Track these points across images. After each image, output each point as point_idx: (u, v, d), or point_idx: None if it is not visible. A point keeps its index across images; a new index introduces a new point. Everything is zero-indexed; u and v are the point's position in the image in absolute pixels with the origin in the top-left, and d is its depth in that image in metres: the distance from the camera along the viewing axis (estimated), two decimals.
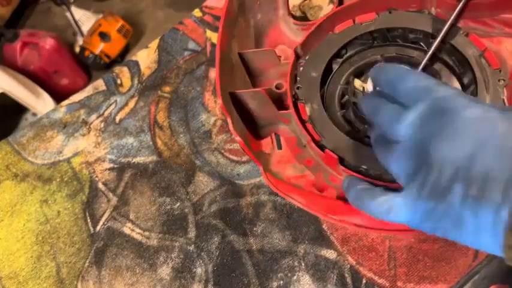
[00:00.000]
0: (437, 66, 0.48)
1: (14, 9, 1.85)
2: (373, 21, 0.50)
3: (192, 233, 0.55)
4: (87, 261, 0.56)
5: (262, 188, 0.55)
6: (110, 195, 0.60)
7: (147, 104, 0.67)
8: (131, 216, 0.57)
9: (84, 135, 0.66)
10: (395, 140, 0.33)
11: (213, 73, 0.67)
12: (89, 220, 0.59)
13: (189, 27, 0.73)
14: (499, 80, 0.44)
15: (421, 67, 0.45)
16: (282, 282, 0.49)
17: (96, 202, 0.60)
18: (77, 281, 0.55)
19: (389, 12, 0.50)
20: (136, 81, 0.70)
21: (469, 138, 0.28)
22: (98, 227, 0.58)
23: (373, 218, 0.38)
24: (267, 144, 0.52)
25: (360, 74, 0.49)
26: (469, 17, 0.50)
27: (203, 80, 0.67)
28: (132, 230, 0.57)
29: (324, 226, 0.51)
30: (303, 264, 0.50)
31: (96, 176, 0.62)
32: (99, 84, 0.71)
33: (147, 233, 0.56)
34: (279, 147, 0.51)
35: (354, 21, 0.51)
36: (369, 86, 0.41)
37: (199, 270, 0.52)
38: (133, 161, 0.62)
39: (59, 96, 1.46)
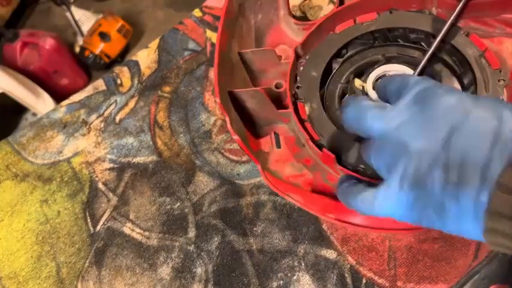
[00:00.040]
0: (438, 66, 0.48)
1: (14, 9, 1.85)
2: (374, 21, 0.50)
3: (192, 233, 0.55)
4: (87, 261, 0.56)
5: (262, 188, 0.55)
6: (110, 195, 0.60)
7: (147, 104, 0.67)
8: (131, 216, 0.57)
9: (84, 135, 0.66)
10: (368, 135, 0.34)
11: (213, 73, 0.67)
12: (89, 220, 0.59)
13: (189, 27, 0.73)
14: (499, 80, 0.43)
15: (420, 66, 0.45)
16: (282, 282, 0.49)
17: (96, 202, 0.60)
18: (77, 281, 0.55)
19: (390, 12, 0.50)
20: (136, 81, 0.70)
21: (444, 126, 0.28)
22: (98, 227, 0.58)
23: (370, 217, 0.39)
24: (266, 143, 0.52)
25: (360, 73, 0.49)
26: (470, 17, 0.50)
27: (203, 80, 0.67)
28: (132, 230, 0.57)
29: (324, 226, 0.52)
30: (303, 264, 0.50)
31: (96, 176, 0.62)
32: (99, 84, 0.71)
33: (147, 233, 0.56)
34: (278, 146, 0.51)
35: (354, 21, 0.51)
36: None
37: (199, 270, 0.52)
38: (133, 161, 0.62)
39: (59, 96, 1.45)
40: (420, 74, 0.45)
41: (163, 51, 0.72)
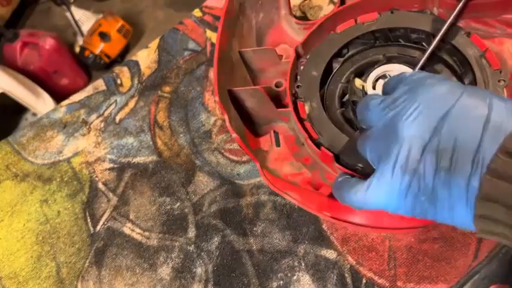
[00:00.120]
0: (439, 66, 0.48)
1: (14, 9, 1.85)
2: (375, 21, 0.50)
3: (192, 233, 0.55)
4: (87, 261, 0.56)
5: (262, 188, 0.55)
6: (110, 195, 0.60)
7: (147, 104, 0.67)
8: (131, 216, 0.57)
9: (84, 135, 0.66)
10: (369, 126, 0.34)
11: (213, 72, 0.67)
12: (89, 220, 0.59)
13: (189, 27, 0.73)
14: (499, 81, 0.44)
15: (419, 66, 0.45)
16: (282, 282, 0.49)
17: (96, 202, 0.60)
18: (77, 281, 0.55)
19: (391, 12, 0.50)
20: (136, 81, 0.70)
21: (435, 113, 0.29)
22: (98, 227, 0.58)
23: (367, 216, 0.39)
24: (265, 141, 0.52)
25: (360, 73, 0.49)
26: (471, 18, 0.50)
27: (203, 80, 0.67)
28: (132, 230, 0.57)
29: (324, 226, 0.51)
30: (303, 264, 0.50)
31: (96, 176, 0.62)
32: (99, 84, 0.71)
33: (147, 233, 0.56)
34: (278, 144, 0.51)
35: (355, 21, 0.51)
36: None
37: (199, 270, 0.52)
38: (133, 161, 0.62)
39: (59, 96, 1.45)
40: None
41: (163, 51, 0.72)
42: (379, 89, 0.46)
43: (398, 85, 0.33)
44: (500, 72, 0.44)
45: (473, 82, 0.45)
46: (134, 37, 1.75)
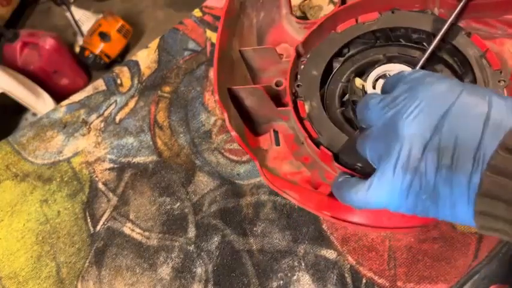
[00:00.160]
0: (439, 67, 0.48)
1: (14, 9, 1.85)
2: (376, 21, 0.50)
3: (192, 233, 0.55)
4: (87, 261, 0.56)
5: (262, 188, 0.55)
6: (110, 195, 0.60)
7: (147, 104, 0.67)
8: (131, 216, 0.57)
9: (84, 135, 0.66)
10: (368, 125, 0.34)
11: (213, 71, 0.67)
12: (89, 220, 0.59)
13: (189, 27, 0.73)
14: (499, 81, 0.44)
15: (419, 65, 0.45)
16: (282, 282, 0.49)
17: (96, 202, 0.60)
18: (77, 281, 0.55)
19: (392, 12, 0.51)
20: (136, 81, 0.70)
21: (435, 111, 0.29)
22: (98, 227, 0.58)
23: (367, 215, 0.38)
24: (265, 140, 0.52)
25: (361, 73, 0.49)
26: (471, 18, 0.50)
27: (203, 80, 0.67)
28: (132, 230, 0.57)
29: (323, 226, 0.52)
30: (303, 264, 0.50)
31: (96, 176, 0.62)
32: (99, 84, 0.71)
33: (147, 233, 0.56)
34: (277, 143, 0.51)
35: (356, 21, 0.51)
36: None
37: (199, 270, 0.52)
38: (133, 161, 0.62)
39: (59, 96, 1.45)
40: None
41: (163, 51, 0.72)
42: (379, 89, 0.46)
43: (398, 84, 0.33)
44: (501, 72, 0.44)
45: (474, 82, 0.45)
46: (134, 37, 1.75)
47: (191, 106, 0.65)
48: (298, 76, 0.50)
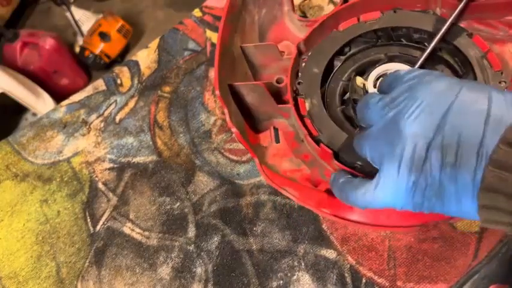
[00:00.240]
0: (440, 67, 0.48)
1: (14, 9, 1.85)
2: (378, 20, 0.50)
3: (192, 233, 0.55)
4: (87, 261, 0.56)
5: (262, 188, 0.55)
6: (110, 195, 0.60)
7: (147, 103, 0.67)
8: (131, 216, 0.57)
9: (84, 135, 0.66)
10: (368, 125, 0.34)
11: (213, 71, 0.67)
12: (88, 220, 0.59)
13: (189, 27, 0.73)
14: (500, 82, 0.44)
15: (417, 64, 0.45)
16: (281, 282, 0.49)
17: (96, 202, 0.60)
18: (77, 280, 0.55)
19: (394, 12, 0.51)
20: (136, 81, 0.70)
21: (436, 109, 0.29)
22: (98, 227, 0.58)
23: (366, 213, 0.38)
24: (265, 137, 0.52)
25: (362, 71, 0.49)
26: (473, 18, 0.50)
27: (203, 80, 0.67)
28: (132, 230, 0.57)
29: (323, 226, 0.52)
30: (302, 264, 0.50)
31: (96, 176, 0.62)
32: (99, 84, 0.71)
33: (147, 233, 0.56)
34: (277, 140, 0.52)
35: (358, 20, 0.51)
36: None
37: (199, 270, 0.52)
38: (133, 161, 0.62)
39: (59, 96, 1.45)
40: None
41: (163, 51, 0.72)
42: None
43: (396, 83, 0.33)
44: (502, 73, 0.44)
45: None
46: (134, 37, 1.75)
47: (191, 106, 0.65)
48: (299, 74, 0.50)
